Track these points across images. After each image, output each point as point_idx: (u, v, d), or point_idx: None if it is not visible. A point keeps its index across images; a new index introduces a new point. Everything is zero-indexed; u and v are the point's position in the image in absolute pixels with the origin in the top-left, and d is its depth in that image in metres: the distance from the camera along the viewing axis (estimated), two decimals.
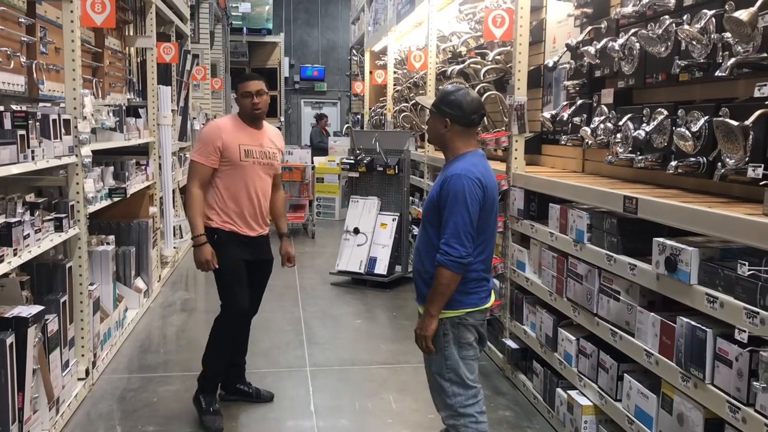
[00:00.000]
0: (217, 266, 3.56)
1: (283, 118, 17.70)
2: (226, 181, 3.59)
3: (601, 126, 3.52)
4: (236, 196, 3.60)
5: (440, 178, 2.70)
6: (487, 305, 2.75)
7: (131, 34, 6.54)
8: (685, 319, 2.46)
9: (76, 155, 3.86)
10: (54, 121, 3.55)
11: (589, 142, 3.64)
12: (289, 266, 3.96)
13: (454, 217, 2.55)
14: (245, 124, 3.66)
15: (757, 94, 2.40)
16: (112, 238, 4.82)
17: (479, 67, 5.58)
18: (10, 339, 2.87)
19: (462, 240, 2.55)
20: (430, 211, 2.69)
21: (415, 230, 7.11)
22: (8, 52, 3.49)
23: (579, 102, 3.93)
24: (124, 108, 5.41)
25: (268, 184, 3.73)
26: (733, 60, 2.51)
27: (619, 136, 3.32)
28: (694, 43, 2.75)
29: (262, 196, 3.68)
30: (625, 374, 2.92)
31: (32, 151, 3.25)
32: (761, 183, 2.35)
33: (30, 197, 3.73)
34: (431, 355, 2.71)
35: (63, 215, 3.65)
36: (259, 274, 3.82)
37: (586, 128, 3.65)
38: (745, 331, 2.14)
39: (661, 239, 2.59)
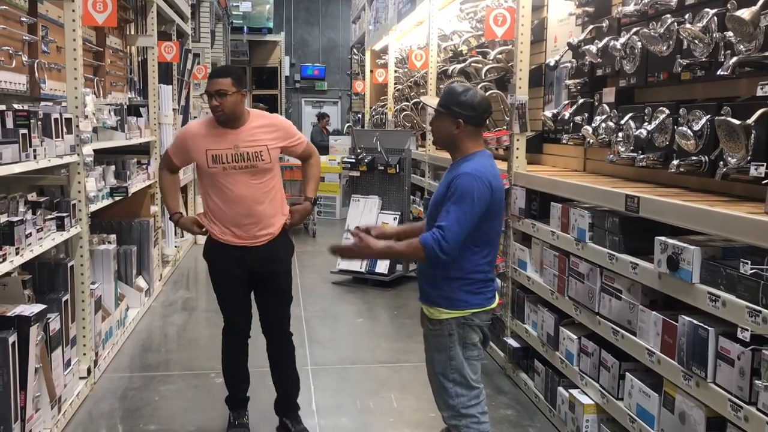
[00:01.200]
0: (203, 228, 3.35)
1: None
2: (207, 185, 3.30)
3: (603, 125, 3.52)
4: (216, 201, 3.28)
5: (447, 177, 2.66)
6: (493, 306, 2.73)
7: (132, 33, 6.54)
8: (687, 318, 2.46)
9: (78, 154, 3.86)
10: (56, 120, 3.56)
11: (591, 141, 3.64)
12: (287, 222, 3.40)
13: (458, 212, 2.50)
14: (220, 125, 3.23)
15: (759, 93, 2.40)
16: (113, 237, 4.83)
17: (480, 66, 5.58)
18: (13, 338, 2.87)
19: (459, 236, 2.50)
20: (436, 211, 2.63)
21: None
22: (10, 51, 3.49)
23: (580, 101, 3.93)
24: (125, 107, 5.42)
25: (257, 189, 3.26)
26: (735, 59, 2.51)
27: (620, 135, 3.32)
28: (696, 41, 2.75)
29: (250, 203, 3.25)
30: (626, 373, 2.92)
31: (34, 150, 3.26)
32: (763, 182, 2.35)
33: (32, 196, 3.73)
34: (435, 356, 2.69)
35: (65, 214, 3.66)
36: (264, 286, 3.43)
37: (588, 127, 3.64)
38: (747, 330, 2.15)
39: (663, 238, 2.59)
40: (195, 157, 3.27)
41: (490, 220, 2.60)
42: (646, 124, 3.13)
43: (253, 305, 3.52)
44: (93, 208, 4.18)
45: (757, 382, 2.11)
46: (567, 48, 4.00)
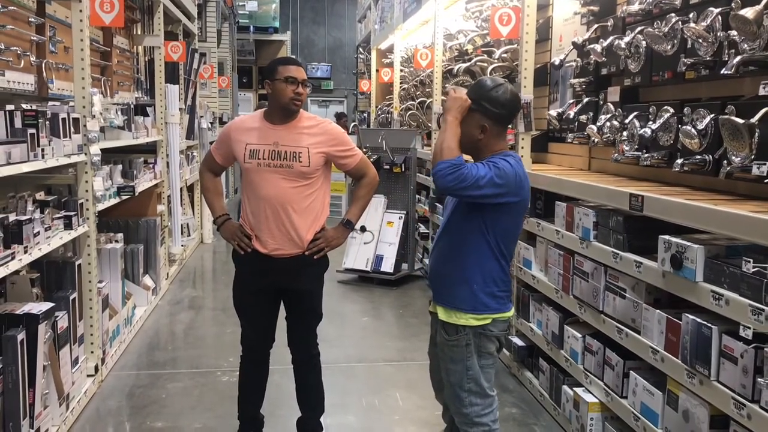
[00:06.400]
0: (250, 236, 3.13)
1: None
2: (245, 184, 3.19)
3: (608, 124, 3.52)
4: (248, 201, 3.16)
5: None
6: (510, 313, 2.65)
7: (139, 32, 6.57)
8: (691, 317, 2.46)
9: (85, 153, 3.89)
10: (63, 119, 3.58)
11: (596, 140, 3.64)
12: (310, 249, 3.22)
13: (484, 170, 2.39)
14: (266, 120, 3.11)
15: (762, 92, 2.41)
16: (120, 236, 4.86)
17: (486, 65, 5.58)
18: (21, 335, 2.90)
19: (469, 180, 2.37)
20: (461, 220, 2.56)
21: (422, 228, 7.12)
22: (18, 52, 3.52)
23: (585, 100, 3.94)
24: (132, 106, 5.44)
25: (288, 192, 3.09)
26: (739, 58, 2.51)
27: (625, 134, 3.32)
28: (700, 41, 2.76)
29: (279, 207, 3.07)
30: (630, 371, 2.93)
31: (42, 150, 3.28)
32: (766, 180, 2.35)
33: (40, 195, 3.76)
34: (451, 366, 2.63)
35: (72, 213, 3.69)
36: (290, 304, 3.27)
37: (593, 126, 3.65)
38: (750, 328, 2.15)
39: (666, 237, 2.60)
40: (235, 149, 3.13)
41: (514, 225, 2.56)
42: (650, 123, 3.14)
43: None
44: (100, 207, 4.21)
45: (760, 380, 2.12)
46: (572, 47, 4.01)
